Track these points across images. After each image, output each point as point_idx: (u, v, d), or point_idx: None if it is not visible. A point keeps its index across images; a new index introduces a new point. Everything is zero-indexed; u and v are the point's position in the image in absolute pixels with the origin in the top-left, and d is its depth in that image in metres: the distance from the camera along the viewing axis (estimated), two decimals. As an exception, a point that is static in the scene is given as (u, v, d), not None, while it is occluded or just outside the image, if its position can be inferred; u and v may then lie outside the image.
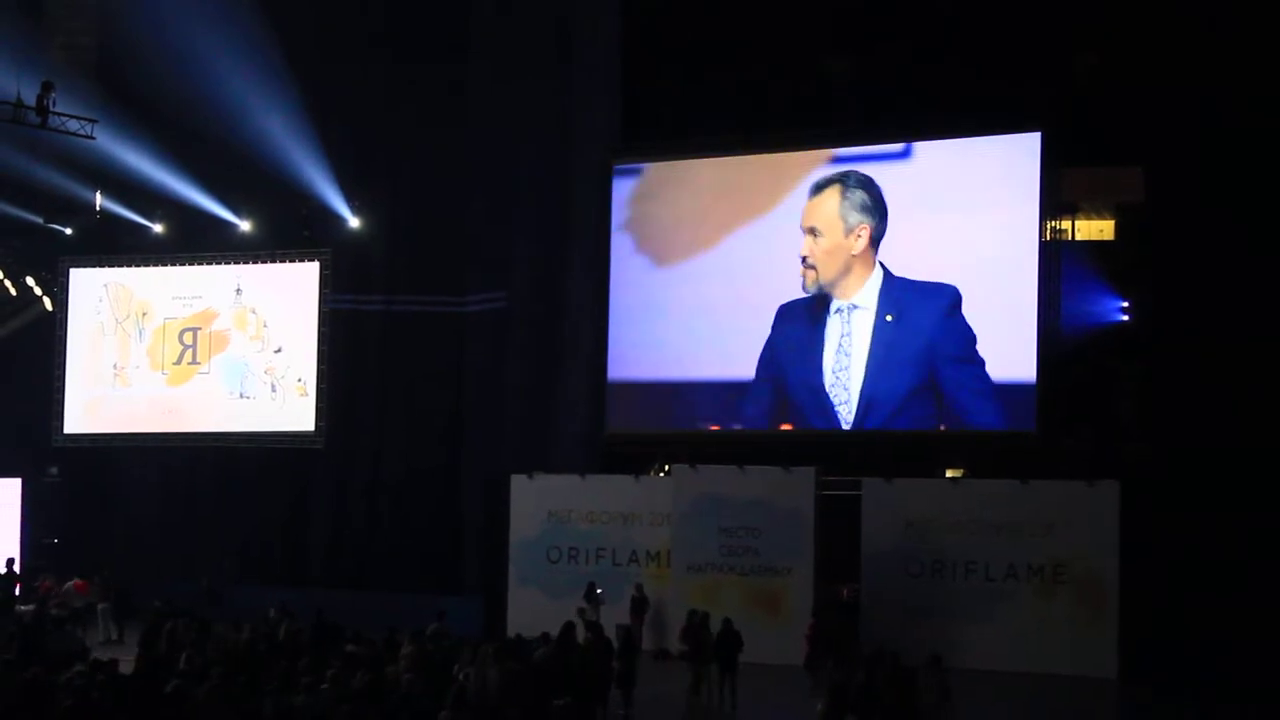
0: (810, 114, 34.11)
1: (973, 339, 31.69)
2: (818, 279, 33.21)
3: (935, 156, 32.92)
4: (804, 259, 33.32)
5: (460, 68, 37.40)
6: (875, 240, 32.81)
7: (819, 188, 33.48)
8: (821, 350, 33.17)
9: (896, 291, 32.44)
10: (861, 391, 32.69)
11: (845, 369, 32.86)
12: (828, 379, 33.04)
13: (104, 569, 33.79)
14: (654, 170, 35.67)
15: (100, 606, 32.40)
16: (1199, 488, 30.09)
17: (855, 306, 32.83)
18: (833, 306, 33.12)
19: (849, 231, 33.00)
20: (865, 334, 32.71)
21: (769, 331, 33.79)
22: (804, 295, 33.41)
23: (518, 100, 36.66)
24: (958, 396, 31.86)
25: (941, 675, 20.73)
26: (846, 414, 32.83)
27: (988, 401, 31.60)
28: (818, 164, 33.95)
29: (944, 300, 31.94)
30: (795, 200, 33.97)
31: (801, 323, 33.44)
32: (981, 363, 31.60)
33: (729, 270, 34.45)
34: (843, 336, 32.93)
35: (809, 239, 33.34)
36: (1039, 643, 28.88)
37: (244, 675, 19.17)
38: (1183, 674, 27.44)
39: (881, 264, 32.69)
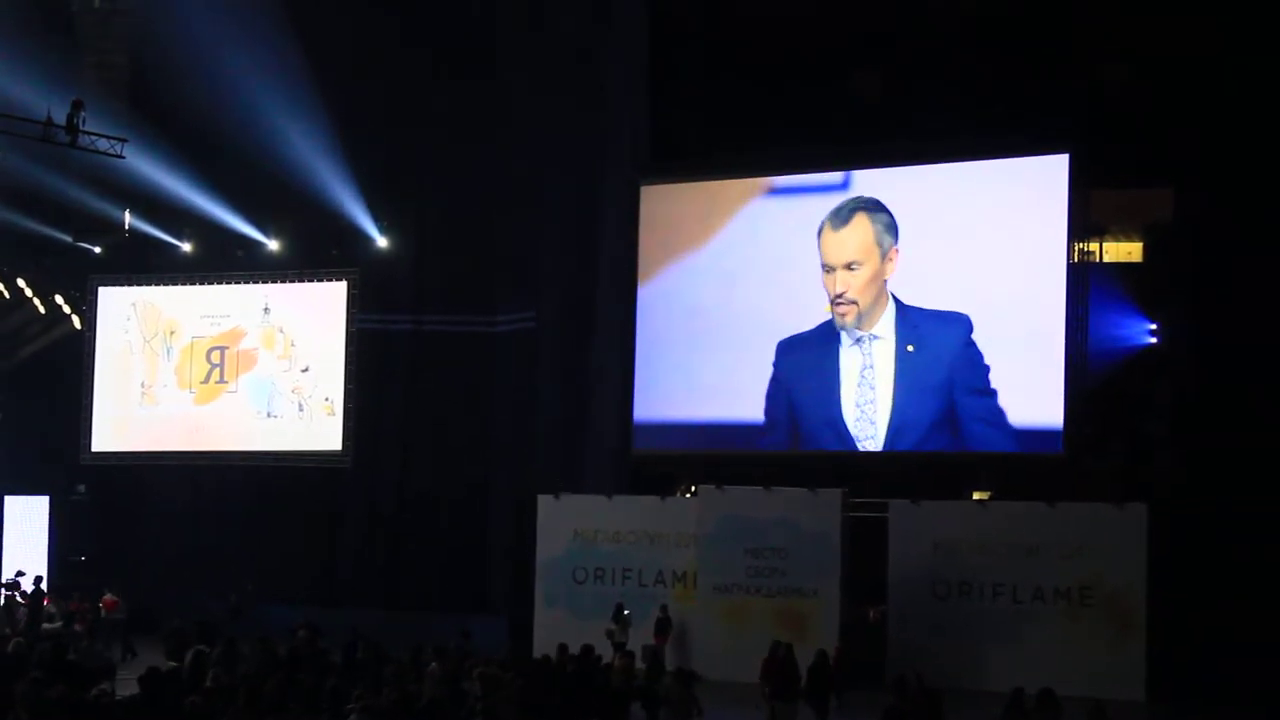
0: (834, 135, 34.00)
1: (985, 370, 31.66)
2: (859, 312, 33.03)
3: (954, 177, 32.98)
4: (839, 296, 33.11)
5: (489, 86, 37.39)
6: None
7: (844, 218, 33.34)
8: (838, 383, 33.10)
9: (912, 321, 32.40)
10: (890, 422, 32.62)
11: (870, 402, 32.75)
12: (850, 412, 32.95)
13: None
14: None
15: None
16: (1228, 509, 30.00)
17: (875, 336, 32.74)
18: (847, 338, 33.05)
19: (884, 256, 32.93)
20: (888, 364, 32.64)
21: (770, 369, 34.00)
22: (805, 330, 33.51)
23: (546, 119, 36.69)
24: (972, 428, 31.87)
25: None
26: (874, 447, 32.80)
27: (998, 433, 31.64)
28: (754, 194, 34.62)
29: (961, 329, 31.90)
30: (730, 234, 34.56)
31: (811, 356, 33.41)
32: (994, 394, 31.56)
33: (664, 305, 35.17)
34: (864, 369, 32.83)
35: (843, 274, 33.12)
36: (1066, 665, 28.52)
37: (271, 695, 19.13)
38: (1211, 695, 27.34)
39: (892, 294, 32.73)
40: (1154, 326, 32.98)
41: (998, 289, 31.85)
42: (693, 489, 33.87)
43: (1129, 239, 33.88)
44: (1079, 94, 32.48)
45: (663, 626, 31.06)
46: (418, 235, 39.17)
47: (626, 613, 30.61)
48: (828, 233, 33.54)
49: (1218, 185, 31.39)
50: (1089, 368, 31.59)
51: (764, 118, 34.38)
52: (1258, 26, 30.87)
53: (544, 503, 33.73)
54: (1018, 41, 32.73)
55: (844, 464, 32.85)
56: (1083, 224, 31.75)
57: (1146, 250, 33.77)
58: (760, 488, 31.47)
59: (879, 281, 32.95)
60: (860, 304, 33.02)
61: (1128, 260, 33.93)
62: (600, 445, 36.18)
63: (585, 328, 36.75)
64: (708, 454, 34.34)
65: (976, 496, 32.41)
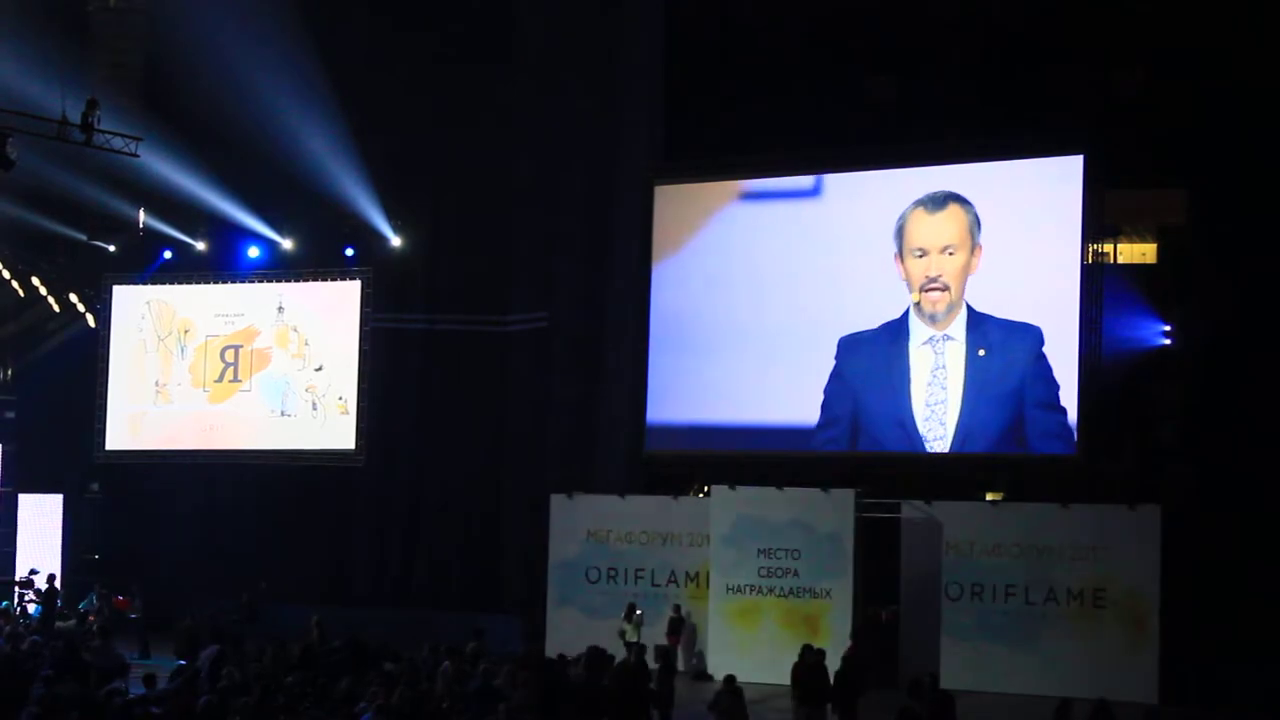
0: (848, 136, 33.92)
1: (1056, 386, 30.93)
2: (950, 301, 32.24)
3: (967, 178, 32.75)
4: (933, 280, 32.23)
5: (504, 86, 37.41)
6: (969, 266, 32.68)
7: (940, 203, 32.42)
8: (908, 382, 32.56)
9: (983, 327, 31.77)
10: (959, 425, 32.01)
11: (941, 402, 32.09)
12: (920, 411, 32.34)
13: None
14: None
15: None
16: (1241, 511, 29.95)
17: (949, 337, 32.20)
18: (917, 337, 32.39)
19: (973, 250, 32.26)
20: (959, 366, 32.11)
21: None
22: (868, 328, 32.87)
23: (562, 118, 36.72)
24: (1040, 445, 31.30)
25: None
26: (942, 448, 32.12)
27: (1063, 446, 31.16)
28: (728, 199, 34.57)
29: (1033, 341, 31.20)
30: (706, 236, 34.57)
31: (877, 355, 32.82)
32: (1064, 411, 30.86)
33: (678, 305, 34.97)
34: (935, 369, 32.24)
35: (938, 258, 32.20)
36: (1079, 667, 28.59)
37: (282, 694, 19.18)
38: (1225, 698, 27.29)
39: (965, 300, 32.30)
40: (1168, 328, 32.90)
41: (1011, 289, 31.72)
42: (705, 489, 33.80)
43: (1143, 240, 33.80)
44: (1093, 95, 32.44)
45: (675, 626, 31.08)
46: (431, 234, 39.17)
47: (639, 612, 30.60)
48: (920, 216, 32.54)
49: (1232, 186, 31.32)
50: (1102, 369, 31.46)
51: (774, 118, 34.28)
52: (1272, 27, 30.80)
53: (557, 502, 33.72)
54: (1030, 42, 32.72)
55: (857, 466, 32.71)
56: (1097, 225, 31.59)
57: (1160, 251, 33.68)
58: (773, 488, 31.44)
59: (964, 276, 32.18)
60: (952, 291, 32.14)
61: (1142, 261, 33.83)
62: (613, 445, 36.14)
63: (598, 327, 36.76)
64: (720, 454, 34.19)
65: (990, 497, 32.28)
